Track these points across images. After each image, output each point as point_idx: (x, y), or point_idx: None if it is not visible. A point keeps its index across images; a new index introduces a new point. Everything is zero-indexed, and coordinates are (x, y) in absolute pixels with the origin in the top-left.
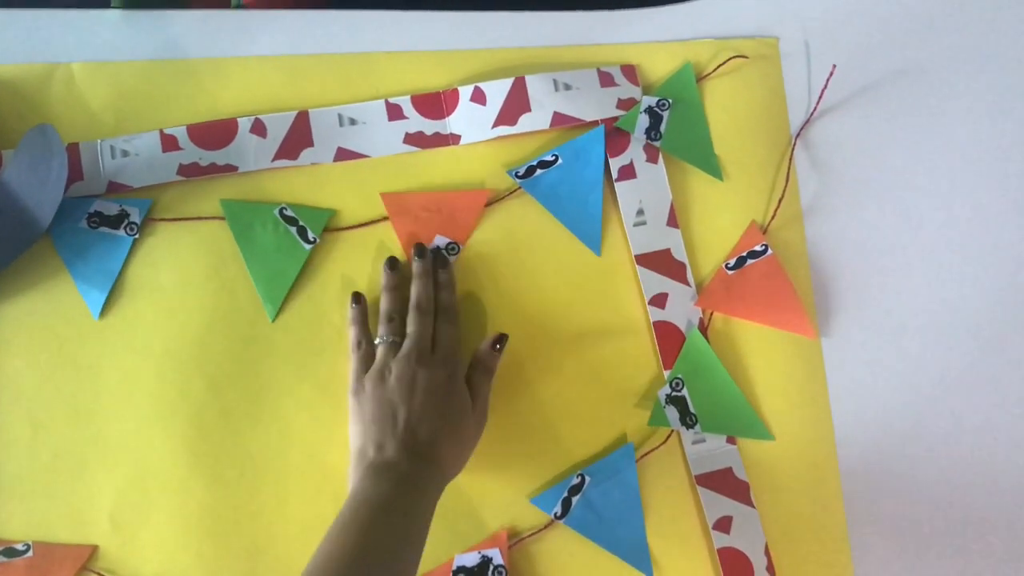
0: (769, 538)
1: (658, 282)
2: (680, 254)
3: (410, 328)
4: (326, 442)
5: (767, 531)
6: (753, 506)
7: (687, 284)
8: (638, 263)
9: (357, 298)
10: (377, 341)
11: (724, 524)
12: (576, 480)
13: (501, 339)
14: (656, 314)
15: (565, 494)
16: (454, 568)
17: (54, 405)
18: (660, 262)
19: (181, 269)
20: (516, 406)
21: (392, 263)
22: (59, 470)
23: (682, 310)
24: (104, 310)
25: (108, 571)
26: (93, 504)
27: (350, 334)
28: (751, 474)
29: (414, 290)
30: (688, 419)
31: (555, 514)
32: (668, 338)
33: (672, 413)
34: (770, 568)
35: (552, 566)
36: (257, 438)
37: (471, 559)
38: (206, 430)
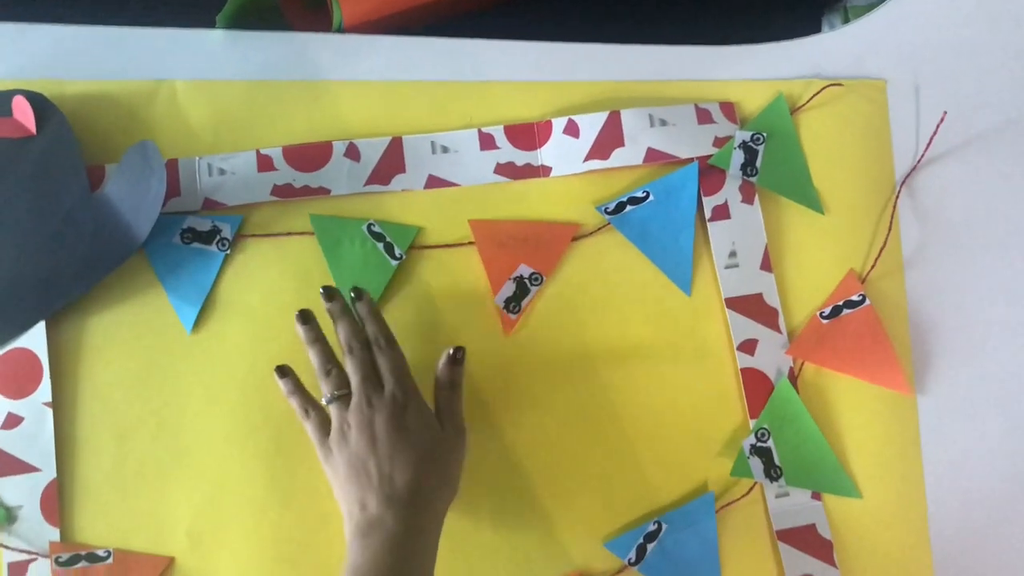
0: None
1: (748, 327)
2: (773, 299)
3: (350, 373)
4: None
5: None
6: (836, 566)
7: (778, 331)
8: (728, 306)
9: (283, 371)
10: (324, 401)
11: None
12: (653, 527)
13: (457, 351)
14: (744, 360)
15: (640, 540)
16: None
17: (140, 417)
18: (751, 307)
19: (270, 286)
20: (595, 446)
21: (304, 316)
22: (141, 482)
23: (772, 358)
24: (195, 325)
25: None
26: (172, 518)
27: (294, 405)
28: (836, 533)
29: (341, 333)
30: (772, 471)
31: (629, 560)
32: (756, 386)
33: (756, 464)
34: None
35: None
36: None
37: None
38: (283, 451)
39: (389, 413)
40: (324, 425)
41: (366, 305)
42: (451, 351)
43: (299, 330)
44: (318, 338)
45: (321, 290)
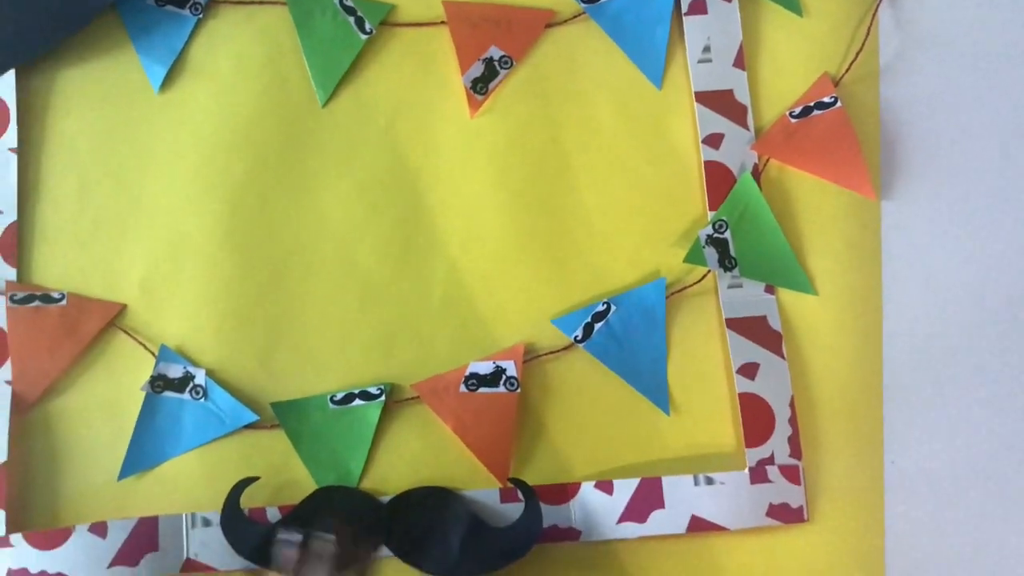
0: (797, 393)
1: (715, 121)
2: (743, 96)
3: None
4: (358, 240)
5: (796, 386)
6: (784, 358)
7: (746, 128)
8: (697, 100)
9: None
10: None
11: (750, 370)
12: (601, 307)
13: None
14: (708, 153)
15: (588, 319)
16: (467, 374)
17: (103, 170)
18: (720, 102)
19: (239, 54)
20: (550, 229)
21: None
22: (99, 230)
23: (737, 153)
24: (163, 86)
25: (133, 330)
26: (127, 267)
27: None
28: (787, 327)
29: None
30: (727, 262)
31: (575, 337)
32: (718, 179)
33: (711, 254)
34: (793, 421)
35: (565, 387)
36: (290, 226)
37: (485, 367)
38: (242, 213)
39: None
40: None
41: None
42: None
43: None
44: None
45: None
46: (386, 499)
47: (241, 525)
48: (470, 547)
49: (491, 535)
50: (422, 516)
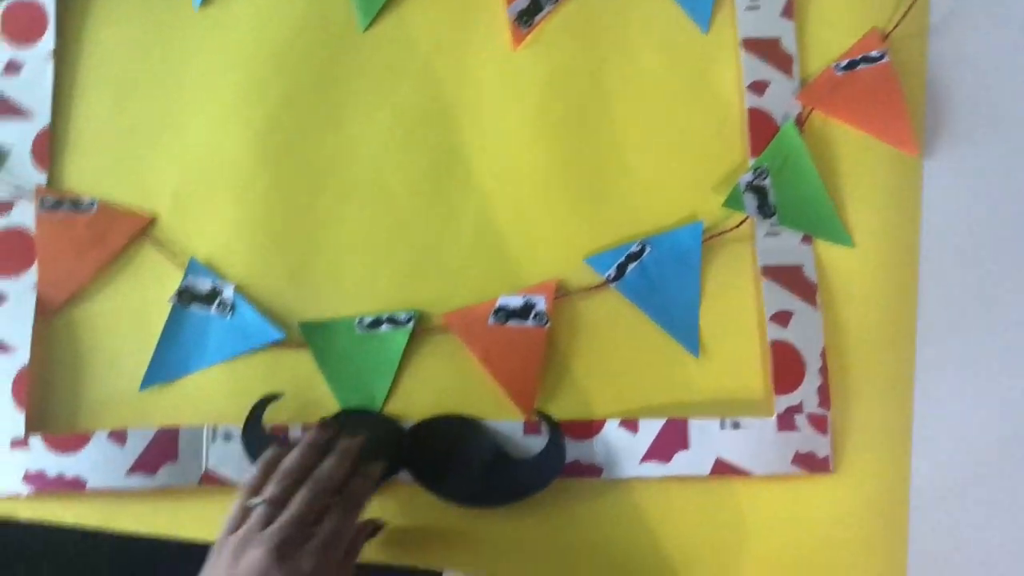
0: (829, 344)
1: (761, 69)
2: (790, 46)
3: (291, 505)
4: (393, 167)
5: (828, 337)
6: (818, 308)
7: (791, 77)
8: (743, 47)
9: (281, 442)
10: (256, 500)
11: (783, 318)
12: (636, 248)
13: (378, 530)
14: (752, 100)
15: (622, 259)
16: (497, 306)
17: (140, 81)
18: (767, 50)
19: None
20: (588, 167)
21: (324, 424)
22: (134, 140)
23: (781, 101)
24: (204, 1)
25: (163, 242)
26: (160, 178)
27: (253, 472)
28: (823, 278)
29: (325, 465)
30: (766, 209)
31: (608, 276)
32: (760, 127)
33: (750, 200)
34: (823, 371)
35: (595, 325)
36: (326, 149)
37: (515, 301)
38: (279, 131)
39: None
40: (247, 514)
41: (375, 467)
42: (373, 527)
43: (314, 429)
44: (314, 445)
45: (324, 420)
46: (408, 425)
47: (262, 440)
48: (491, 477)
49: (513, 466)
50: (444, 443)
